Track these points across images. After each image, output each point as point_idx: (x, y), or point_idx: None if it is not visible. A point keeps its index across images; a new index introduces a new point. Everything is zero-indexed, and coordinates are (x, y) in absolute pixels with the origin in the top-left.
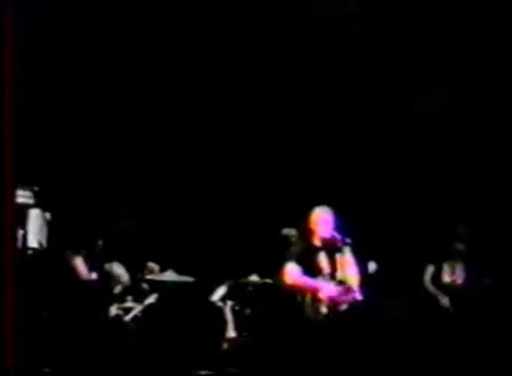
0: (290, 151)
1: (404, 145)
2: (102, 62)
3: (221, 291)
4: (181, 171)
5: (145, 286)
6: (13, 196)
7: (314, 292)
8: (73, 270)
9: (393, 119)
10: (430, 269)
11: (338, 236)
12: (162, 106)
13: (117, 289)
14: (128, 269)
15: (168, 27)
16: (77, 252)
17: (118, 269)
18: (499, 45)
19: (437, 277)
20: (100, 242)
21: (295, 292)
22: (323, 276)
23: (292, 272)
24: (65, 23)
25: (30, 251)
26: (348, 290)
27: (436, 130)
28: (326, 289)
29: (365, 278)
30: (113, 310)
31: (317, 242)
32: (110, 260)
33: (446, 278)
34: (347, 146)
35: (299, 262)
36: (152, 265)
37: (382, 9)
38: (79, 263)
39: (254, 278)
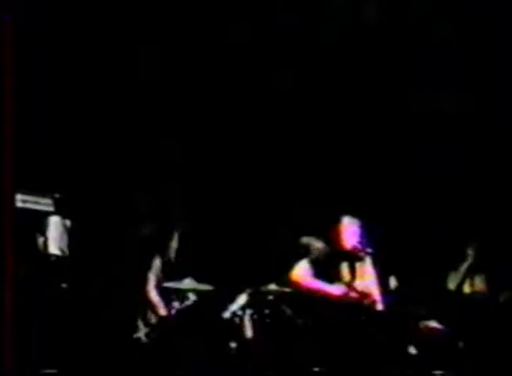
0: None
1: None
2: (103, 61)
3: (241, 300)
4: (197, 178)
5: None
6: (13, 199)
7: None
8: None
9: (394, 120)
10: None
11: (360, 246)
12: (164, 107)
13: None
14: None
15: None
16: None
17: None
18: (498, 45)
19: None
20: None
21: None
22: (342, 283)
23: (302, 270)
24: (65, 23)
25: (52, 258)
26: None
27: (438, 132)
28: (336, 292)
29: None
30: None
31: (341, 251)
32: None
33: (466, 289)
34: (349, 149)
35: (318, 265)
36: None
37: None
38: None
39: (272, 287)
